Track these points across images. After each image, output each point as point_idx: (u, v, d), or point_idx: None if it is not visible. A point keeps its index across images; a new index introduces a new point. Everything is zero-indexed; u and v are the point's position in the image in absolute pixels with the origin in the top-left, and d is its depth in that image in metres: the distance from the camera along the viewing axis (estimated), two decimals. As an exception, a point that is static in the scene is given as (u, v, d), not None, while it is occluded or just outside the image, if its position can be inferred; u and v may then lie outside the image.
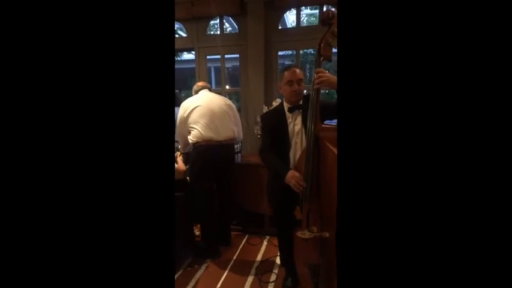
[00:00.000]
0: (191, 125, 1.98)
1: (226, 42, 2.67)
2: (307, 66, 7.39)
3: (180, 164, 2.04)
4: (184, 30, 2.80)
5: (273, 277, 1.83)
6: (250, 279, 1.82)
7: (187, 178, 2.07)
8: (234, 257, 2.08)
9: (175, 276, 1.86)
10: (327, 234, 1.26)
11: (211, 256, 2.06)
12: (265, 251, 2.16)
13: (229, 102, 2.15)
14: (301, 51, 2.92)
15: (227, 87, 3.05)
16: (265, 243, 2.28)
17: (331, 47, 1.24)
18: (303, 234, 1.30)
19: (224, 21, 3.27)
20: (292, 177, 1.34)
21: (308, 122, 1.27)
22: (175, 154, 2.13)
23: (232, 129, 2.07)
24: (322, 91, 1.39)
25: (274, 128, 1.54)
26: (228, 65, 4.26)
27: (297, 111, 1.49)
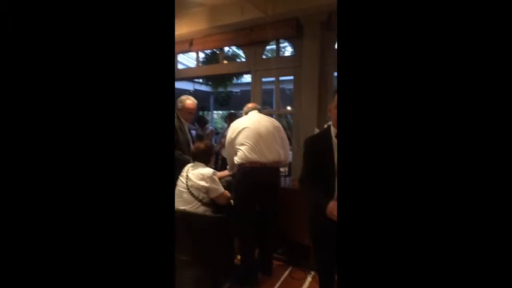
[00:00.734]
0: (237, 146, 1.99)
1: (281, 64, 2.66)
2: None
3: (223, 191, 1.95)
4: (243, 55, 2.92)
5: (311, 320, 1.62)
6: (286, 317, 1.65)
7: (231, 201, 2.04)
8: (273, 290, 1.94)
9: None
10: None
11: (248, 284, 1.95)
12: (308, 288, 1.95)
13: (277, 124, 2.10)
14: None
15: (288, 107, 3.00)
16: (309, 278, 2.07)
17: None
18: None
19: (286, 44, 3.33)
20: (334, 209, 1.18)
21: None
22: (222, 173, 2.15)
23: (278, 151, 2.00)
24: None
25: (318, 154, 1.39)
26: (288, 86, 4.27)
27: None
